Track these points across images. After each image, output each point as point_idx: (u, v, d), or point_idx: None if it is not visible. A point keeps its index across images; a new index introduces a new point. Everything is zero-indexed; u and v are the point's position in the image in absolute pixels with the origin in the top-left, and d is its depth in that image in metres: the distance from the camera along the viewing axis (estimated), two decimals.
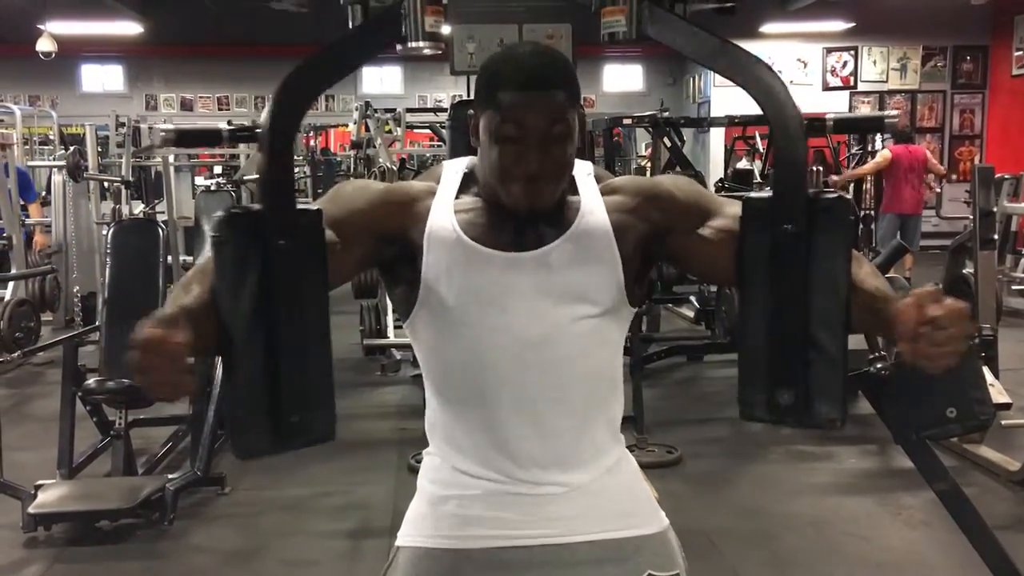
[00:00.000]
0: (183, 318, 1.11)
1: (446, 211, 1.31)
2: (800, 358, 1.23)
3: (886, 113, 1.75)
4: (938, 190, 10.57)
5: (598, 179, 1.38)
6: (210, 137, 1.45)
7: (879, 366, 2.95)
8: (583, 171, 1.38)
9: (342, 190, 1.36)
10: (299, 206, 1.25)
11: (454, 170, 1.38)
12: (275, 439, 1.20)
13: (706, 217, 1.34)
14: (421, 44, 1.41)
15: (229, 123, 1.45)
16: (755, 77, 1.24)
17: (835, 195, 1.23)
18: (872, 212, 8.56)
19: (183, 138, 1.45)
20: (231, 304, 1.18)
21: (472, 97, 1.34)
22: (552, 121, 1.25)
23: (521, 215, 1.29)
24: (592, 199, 1.34)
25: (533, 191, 1.27)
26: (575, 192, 1.34)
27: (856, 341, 4.18)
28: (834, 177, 8.20)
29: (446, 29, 1.84)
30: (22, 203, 7.39)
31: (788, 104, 1.23)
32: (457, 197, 1.34)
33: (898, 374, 2.82)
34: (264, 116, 1.23)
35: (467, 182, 1.36)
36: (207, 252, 1.31)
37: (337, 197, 1.35)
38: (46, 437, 4.26)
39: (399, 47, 1.75)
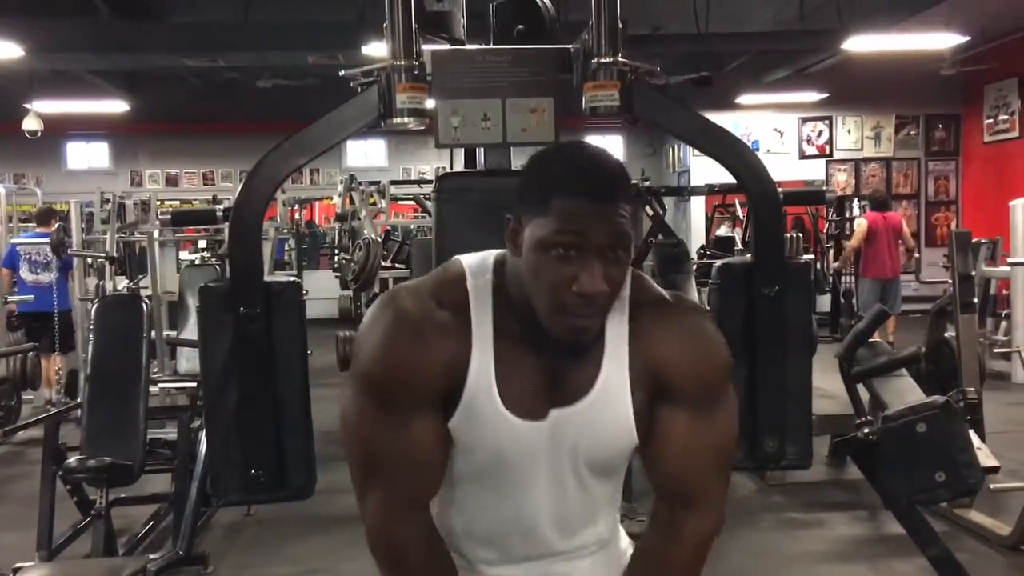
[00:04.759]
0: None
1: (486, 365, 1.18)
2: (779, 406, 1.33)
3: (826, 189, 2.06)
4: (917, 256, 10.74)
5: (634, 306, 1.22)
6: (205, 218, 1.64)
7: (866, 431, 2.95)
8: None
9: (387, 359, 1.19)
10: (269, 279, 1.37)
11: (482, 282, 1.21)
12: (244, 489, 1.29)
13: (677, 401, 1.25)
14: (406, 120, 1.46)
15: (217, 201, 1.63)
16: (736, 155, 1.37)
17: (802, 261, 1.43)
18: (853, 279, 8.68)
19: (180, 219, 1.64)
20: (208, 363, 1.30)
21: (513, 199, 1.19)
22: (615, 236, 1.09)
23: (559, 348, 1.17)
24: (618, 358, 1.21)
25: (582, 323, 1.13)
26: (601, 336, 1.20)
27: (843, 406, 4.21)
28: (835, 265, 8.50)
29: (430, 103, 1.89)
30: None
31: (766, 179, 1.35)
32: (494, 329, 1.19)
33: (885, 439, 2.82)
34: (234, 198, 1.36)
35: (497, 300, 1.20)
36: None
37: (385, 366, 1.19)
38: (26, 518, 4.17)
39: (383, 123, 1.79)
